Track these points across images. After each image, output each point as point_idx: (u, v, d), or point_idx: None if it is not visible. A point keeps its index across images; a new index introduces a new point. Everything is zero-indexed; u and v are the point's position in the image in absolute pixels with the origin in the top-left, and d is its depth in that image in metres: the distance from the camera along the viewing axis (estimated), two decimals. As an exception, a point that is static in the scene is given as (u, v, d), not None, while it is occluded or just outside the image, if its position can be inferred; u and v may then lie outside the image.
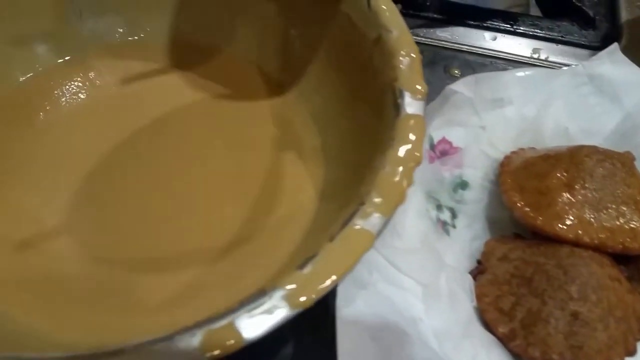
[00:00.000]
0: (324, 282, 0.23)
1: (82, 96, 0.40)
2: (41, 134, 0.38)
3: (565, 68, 0.42)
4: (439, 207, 0.36)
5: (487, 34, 0.51)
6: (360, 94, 0.34)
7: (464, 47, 0.50)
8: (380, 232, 0.25)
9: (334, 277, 0.23)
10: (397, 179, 0.26)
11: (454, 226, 0.36)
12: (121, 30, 0.42)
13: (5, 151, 0.37)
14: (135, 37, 0.43)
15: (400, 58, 0.30)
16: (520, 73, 0.41)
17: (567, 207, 0.34)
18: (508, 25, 0.51)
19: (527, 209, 0.35)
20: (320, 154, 0.37)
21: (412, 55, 0.30)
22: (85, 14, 0.41)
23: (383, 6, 0.32)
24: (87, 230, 0.34)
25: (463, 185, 0.37)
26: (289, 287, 0.22)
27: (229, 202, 0.36)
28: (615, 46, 0.42)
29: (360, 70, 0.34)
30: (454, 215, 0.36)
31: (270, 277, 0.30)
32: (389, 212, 0.25)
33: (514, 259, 0.34)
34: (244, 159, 0.38)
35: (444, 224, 0.36)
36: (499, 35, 0.51)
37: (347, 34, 0.34)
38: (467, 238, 0.36)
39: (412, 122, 0.28)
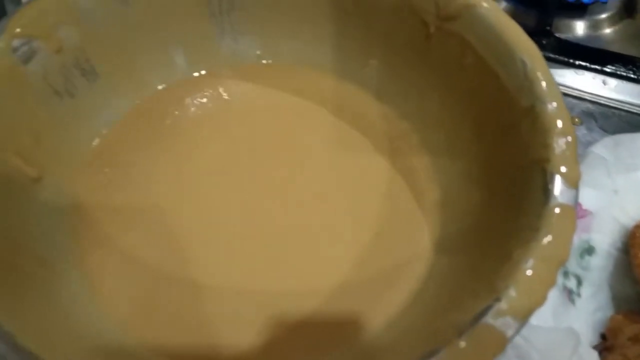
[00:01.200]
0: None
1: (208, 109, 0.40)
2: (168, 140, 0.38)
3: None
4: (565, 274, 0.34)
5: (607, 80, 0.47)
6: (497, 163, 0.31)
7: (585, 95, 0.46)
8: (513, 338, 0.22)
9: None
10: (539, 279, 0.23)
11: (579, 295, 0.34)
12: (258, 52, 0.42)
13: (136, 156, 0.38)
14: (270, 61, 0.42)
15: (555, 137, 0.27)
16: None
17: None
18: (630, 72, 0.47)
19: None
20: (439, 209, 0.35)
21: (569, 138, 0.27)
22: (227, 32, 0.41)
23: (540, 75, 0.29)
24: (194, 251, 0.34)
25: (590, 250, 0.35)
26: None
27: (341, 240, 0.34)
28: None
29: (502, 137, 0.31)
30: (579, 282, 0.34)
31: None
32: (526, 316, 0.23)
33: (649, 342, 0.31)
34: (360, 197, 0.36)
35: (570, 292, 0.33)
36: (619, 81, 0.47)
37: (493, 95, 0.31)
38: (592, 308, 0.34)
39: (562, 213, 0.25)
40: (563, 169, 0.26)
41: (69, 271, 0.32)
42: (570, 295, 0.33)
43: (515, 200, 0.28)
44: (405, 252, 0.33)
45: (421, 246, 0.33)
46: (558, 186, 0.26)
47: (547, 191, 0.26)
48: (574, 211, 0.25)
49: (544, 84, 0.29)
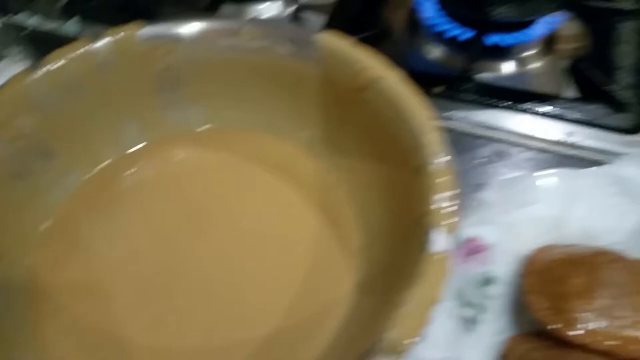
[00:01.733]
0: None
1: (158, 173, 0.44)
2: (118, 207, 0.42)
3: (591, 169, 0.42)
4: (464, 304, 0.38)
5: (524, 117, 0.51)
6: (400, 214, 0.36)
7: (500, 134, 0.50)
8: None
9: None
10: (414, 319, 0.27)
11: (479, 321, 0.37)
12: (201, 119, 0.46)
13: (88, 226, 0.41)
14: (215, 126, 0.46)
15: (438, 193, 0.31)
16: (547, 174, 0.42)
17: (581, 314, 0.35)
18: (545, 108, 0.51)
19: (545, 312, 0.36)
20: (362, 253, 0.39)
21: (450, 192, 0.31)
22: (174, 105, 0.45)
23: (429, 139, 0.34)
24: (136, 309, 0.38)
25: (490, 280, 0.39)
26: None
27: (270, 291, 0.38)
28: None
29: (403, 191, 0.35)
30: (481, 310, 0.38)
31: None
32: (402, 353, 0.27)
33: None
34: (291, 248, 0.40)
35: (468, 321, 0.37)
36: (534, 118, 0.50)
37: (398, 154, 0.36)
38: (492, 332, 0.37)
39: (437, 260, 0.29)
40: (441, 222, 0.30)
41: (25, 343, 0.35)
42: (469, 324, 0.37)
43: (407, 248, 0.32)
44: (331, 295, 0.37)
45: (344, 289, 0.37)
46: (436, 236, 0.30)
47: (424, 241, 0.30)
48: (448, 258, 0.29)
49: (432, 146, 0.33)
